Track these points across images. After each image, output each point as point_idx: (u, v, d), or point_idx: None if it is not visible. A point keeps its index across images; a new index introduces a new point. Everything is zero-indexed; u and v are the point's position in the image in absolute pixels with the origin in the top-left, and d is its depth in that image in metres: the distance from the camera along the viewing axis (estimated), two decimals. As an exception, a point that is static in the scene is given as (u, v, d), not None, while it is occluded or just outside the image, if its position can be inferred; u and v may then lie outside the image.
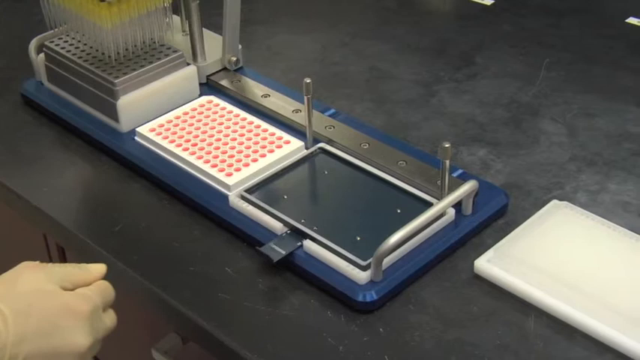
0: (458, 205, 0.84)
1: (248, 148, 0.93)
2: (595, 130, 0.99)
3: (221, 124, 0.97)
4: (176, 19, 1.10)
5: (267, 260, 0.80)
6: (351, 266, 0.78)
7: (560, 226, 0.84)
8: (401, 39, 1.19)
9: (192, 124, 0.97)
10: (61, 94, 1.05)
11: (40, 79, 1.07)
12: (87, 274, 0.74)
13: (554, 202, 0.87)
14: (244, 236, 0.85)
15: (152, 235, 0.87)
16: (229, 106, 1.00)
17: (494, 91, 1.07)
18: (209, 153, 0.93)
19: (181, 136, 0.95)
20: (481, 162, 0.95)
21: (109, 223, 0.89)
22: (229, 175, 0.89)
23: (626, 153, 0.96)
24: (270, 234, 0.83)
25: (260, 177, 0.89)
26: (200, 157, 0.92)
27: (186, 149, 0.93)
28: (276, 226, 0.83)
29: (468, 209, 0.85)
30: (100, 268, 0.75)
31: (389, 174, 0.89)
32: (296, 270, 0.81)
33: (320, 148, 0.93)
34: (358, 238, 0.81)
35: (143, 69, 0.99)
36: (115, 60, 0.99)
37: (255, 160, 0.91)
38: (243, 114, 0.98)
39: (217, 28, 1.08)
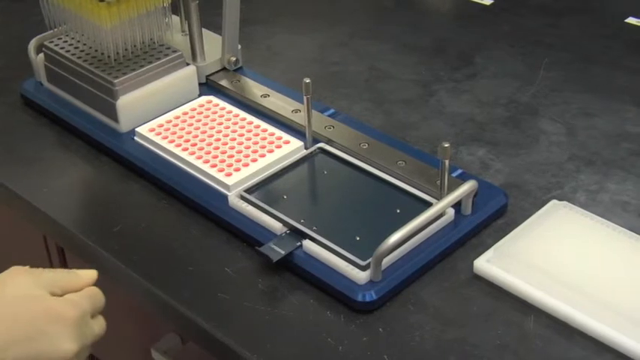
0: (457, 205, 0.84)
1: (247, 148, 0.93)
2: (594, 130, 0.99)
3: (220, 124, 0.97)
4: (175, 19, 1.10)
5: (267, 260, 0.80)
6: (351, 266, 0.78)
7: (560, 225, 0.84)
8: (400, 39, 1.19)
9: (191, 124, 0.97)
10: (60, 95, 1.05)
11: (40, 80, 1.07)
12: (77, 279, 0.74)
13: (554, 201, 0.87)
14: (244, 236, 0.85)
15: (152, 235, 0.87)
16: (229, 106, 1.00)
17: (494, 90, 1.07)
18: (208, 153, 0.93)
19: (181, 136, 0.95)
20: (480, 162, 0.95)
21: (109, 223, 0.89)
22: (229, 175, 0.89)
23: (625, 152, 0.96)
24: (270, 234, 0.83)
25: (259, 177, 0.89)
26: (199, 157, 0.92)
27: (185, 149, 0.93)
28: (276, 226, 0.83)
29: (467, 209, 0.85)
30: (90, 274, 0.75)
31: (388, 174, 0.89)
32: (295, 270, 0.81)
33: (319, 148, 0.93)
34: (358, 238, 0.81)
35: (142, 69, 0.99)
36: (115, 60, 0.99)
37: (254, 160, 0.91)
38: (242, 114, 0.99)
39: (217, 28, 1.08)
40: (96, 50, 1.01)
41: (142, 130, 0.97)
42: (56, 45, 1.03)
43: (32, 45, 1.06)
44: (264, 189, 0.88)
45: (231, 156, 0.92)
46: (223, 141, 0.94)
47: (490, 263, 0.80)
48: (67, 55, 1.02)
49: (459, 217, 0.85)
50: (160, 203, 0.91)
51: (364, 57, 1.15)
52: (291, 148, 0.93)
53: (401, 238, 0.78)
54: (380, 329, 0.76)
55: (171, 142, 0.95)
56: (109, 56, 0.99)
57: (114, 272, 0.85)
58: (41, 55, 1.05)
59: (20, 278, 0.71)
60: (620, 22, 1.20)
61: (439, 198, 0.84)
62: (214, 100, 1.01)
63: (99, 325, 0.74)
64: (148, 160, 0.94)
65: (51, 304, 0.70)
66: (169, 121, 0.98)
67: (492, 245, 0.82)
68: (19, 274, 0.71)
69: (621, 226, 0.83)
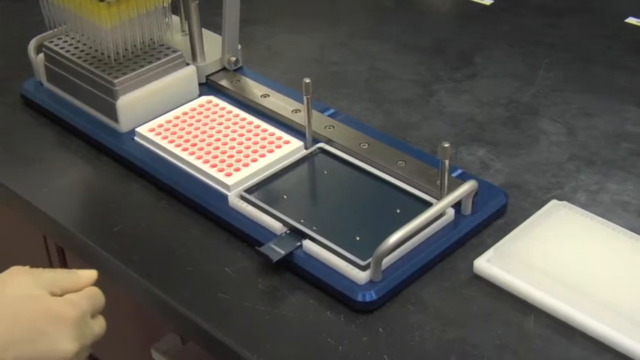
0: (457, 205, 0.84)
1: (247, 148, 0.93)
2: (594, 130, 0.99)
3: (220, 124, 0.97)
4: (175, 19, 1.10)
5: (267, 260, 0.80)
6: (351, 266, 0.78)
7: (560, 225, 0.84)
8: (400, 39, 1.19)
9: (191, 124, 0.97)
10: (60, 95, 1.05)
11: (40, 80, 1.07)
12: (77, 279, 0.74)
13: (554, 201, 0.87)
14: (244, 236, 0.85)
15: (151, 235, 0.87)
16: (229, 106, 1.00)
17: (494, 90, 1.07)
18: (208, 153, 0.93)
19: (181, 136, 0.95)
20: (480, 162, 0.95)
21: (109, 223, 0.89)
22: (229, 175, 0.89)
23: (625, 152, 0.96)
24: (270, 234, 0.83)
25: (259, 177, 0.89)
26: (199, 157, 0.92)
27: (185, 149, 0.93)
28: (276, 226, 0.83)
29: (467, 209, 0.85)
30: (90, 274, 0.75)
31: (388, 174, 0.89)
32: (295, 270, 0.81)
33: (319, 148, 0.93)
34: (358, 238, 0.81)
35: (142, 69, 0.99)
36: (115, 60, 0.99)
37: (254, 160, 0.91)
38: (242, 114, 0.99)
39: (217, 28, 1.08)
40: (96, 50, 1.01)
41: (141, 130, 0.97)
42: (56, 45, 1.03)
43: (32, 45, 1.06)
44: (264, 189, 0.88)
45: (231, 156, 0.92)
46: (223, 141, 0.94)
47: (490, 263, 0.80)
48: (67, 55, 1.02)
49: (459, 217, 0.84)
50: (160, 203, 0.91)
51: (364, 57, 1.15)
52: (291, 148, 0.93)
53: (401, 238, 0.78)
54: (380, 329, 0.76)
55: (171, 142, 0.95)
56: (109, 56, 0.99)
57: (114, 272, 0.85)
58: (41, 55, 1.05)
59: (20, 278, 0.71)
60: (620, 22, 1.20)
61: (439, 198, 0.84)
62: (214, 100, 1.01)
63: (99, 325, 0.74)
64: (147, 160, 0.94)
65: (51, 304, 0.70)
66: (169, 121, 0.98)
67: (492, 245, 0.82)
68: (19, 274, 0.71)
69: (621, 226, 0.83)
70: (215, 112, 0.99)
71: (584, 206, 0.87)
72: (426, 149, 0.96)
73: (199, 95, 1.03)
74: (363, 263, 0.78)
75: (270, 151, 0.92)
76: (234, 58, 1.06)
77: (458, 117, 1.03)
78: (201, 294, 0.80)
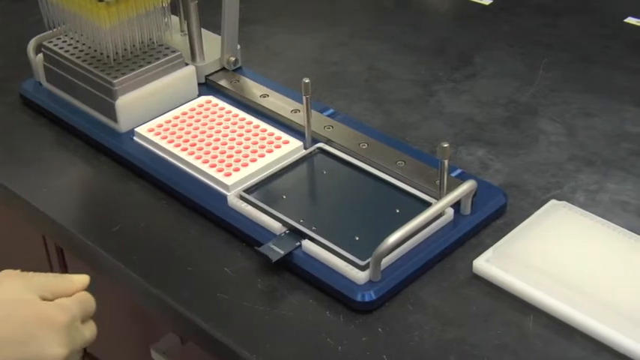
0: (457, 205, 0.84)
1: (247, 148, 0.93)
2: (593, 130, 0.99)
3: (220, 124, 0.97)
4: (175, 19, 1.10)
5: (266, 260, 0.80)
6: (350, 266, 0.78)
7: (559, 225, 0.84)
8: (399, 39, 1.19)
9: (190, 125, 0.97)
10: (59, 95, 1.05)
11: (39, 80, 1.07)
12: (68, 284, 0.73)
13: (553, 201, 0.87)
14: (243, 236, 0.85)
15: (151, 236, 0.87)
16: (228, 106, 1.00)
17: (493, 90, 1.07)
18: (208, 153, 0.93)
19: (180, 137, 0.95)
20: (480, 162, 0.95)
21: (108, 223, 0.89)
22: (228, 175, 0.89)
23: (625, 152, 0.96)
24: (269, 234, 0.83)
25: (259, 177, 0.89)
26: (199, 158, 0.92)
27: (184, 149, 0.93)
28: (275, 226, 0.83)
29: (466, 209, 0.85)
30: (82, 279, 0.75)
31: (388, 174, 0.89)
32: (295, 270, 0.81)
33: (319, 148, 0.93)
34: (357, 238, 0.81)
35: (142, 69, 0.99)
36: (114, 60, 0.99)
37: (253, 160, 0.91)
38: (241, 114, 0.98)
39: (216, 28, 1.08)
40: (95, 50, 1.01)
41: (141, 130, 0.97)
42: (55, 45, 1.03)
43: (31, 45, 1.05)
44: (263, 189, 0.88)
45: (231, 156, 0.92)
46: (222, 141, 0.94)
47: (489, 263, 0.80)
48: (67, 55, 1.02)
49: (458, 216, 0.84)
50: (159, 203, 0.91)
51: (364, 57, 1.15)
52: (290, 148, 0.93)
53: (400, 238, 0.78)
54: (379, 329, 0.76)
55: (171, 142, 0.95)
56: (108, 56, 0.99)
57: (113, 272, 0.85)
58: (40, 55, 1.05)
59: (11, 282, 0.71)
60: (619, 22, 1.20)
61: (438, 198, 0.84)
62: (213, 100, 1.01)
63: (89, 330, 0.73)
64: (147, 160, 0.94)
65: (41, 308, 0.69)
66: (168, 121, 0.98)
67: (492, 245, 0.82)
68: (10, 278, 0.71)
69: (621, 226, 0.83)
70: (214, 112, 0.99)
71: (583, 206, 0.87)
72: (425, 149, 0.96)
73: (198, 95, 1.03)
74: (362, 263, 0.78)
75: (270, 151, 0.92)
76: (233, 58, 1.06)
77: (457, 117, 1.02)
78: (200, 294, 0.80)
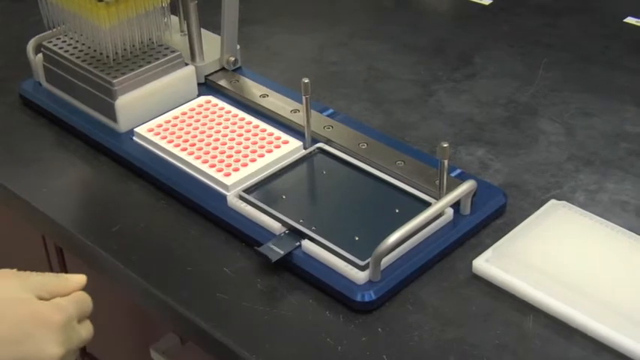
0: (456, 205, 0.84)
1: (246, 148, 0.93)
2: (593, 130, 0.99)
3: (219, 124, 0.97)
4: (174, 19, 1.10)
5: (266, 260, 0.80)
6: (350, 266, 0.78)
7: (559, 225, 0.84)
8: (399, 39, 1.19)
9: (190, 125, 0.97)
10: (59, 95, 1.05)
11: (39, 80, 1.07)
12: (65, 284, 0.73)
13: (553, 201, 0.87)
14: (242, 236, 0.85)
15: (150, 235, 0.87)
16: (228, 106, 1.00)
17: (493, 90, 1.07)
18: (207, 153, 0.93)
19: (180, 137, 0.95)
20: (479, 162, 0.95)
21: (108, 223, 0.89)
22: (227, 175, 0.89)
23: (624, 152, 0.96)
24: (269, 234, 0.83)
25: (258, 177, 0.89)
26: (198, 158, 0.92)
27: (184, 149, 0.93)
28: (275, 226, 0.83)
29: (466, 209, 0.85)
30: (79, 279, 0.75)
31: (387, 174, 0.89)
32: (294, 270, 0.81)
33: (318, 148, 0.93)
34: (357, 238, 0.81)
35: (141, 69, 0.99)
36: (114, 60, 0.99)
37: (253, 160, 0.91)
38: (241, 114, 0.98)
39: (215, 28, 1.08)
40: (95, 50, 1.01)
41: (140, 130, 0.97)
42: (55, 45, 1.03)
43: (31, 45, 1.05)
44: (263, 189, 0.88)
45: (230, 156, 0.92)
46: (222, 141, 0.94)
47: (489, 263, 0.80)
48: (66, 55, 1.02)
49: (457, 216, 0.84)
50: (159, 203, 0.91)
51: (363, 57, 1.15)
52: (290, 148, 0.93)
53: (400, 238, 0.78)
54: (379, 329, 0.76)
55: (170, 142, 0.95)
56: (107, 56, 0.99)
57: (112, 272, 0.85)
58: (40, 55, 1.05)
59: (7, 281, 0.71)
60: (619, 22, 1.20)
61: (438, 198, 0.84)
62: (213, 100, 1.01)
63: (86, 329, 0.73)
64: (146, 160, 0.94)
65: (37, 307, 0.69)
66: (168, 121, 0.98)
67: (491, 245, 0.82)
68: (6, 277, 0.71)
69: (620, 225, 0.83)
70: (214, 112, 0.99)
71: (583, 206, 0.87)
72: (425, 149, 0.96)
73: (198, 95, 1.03)
74: (362, 263, 0.78)
75: (269, 151, 0.92)
76: (233, 58, 1.06)
77: (457, 117, 1.03)
78: (200, 294, 0.80)
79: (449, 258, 0.83)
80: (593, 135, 0.99)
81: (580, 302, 0.75)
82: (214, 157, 0.92)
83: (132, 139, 0.97)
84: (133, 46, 1.00)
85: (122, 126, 0.98)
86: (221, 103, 1.01)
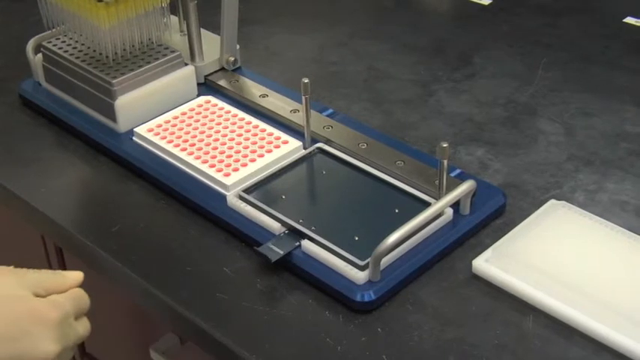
0: (456, 205, 0.84)
1: (246, 148, 0.93)
2: (593, 130, 0.99)
3: (219, 124, 0.97)
4: (174, 19, 1.10)
5: (265, 260, 0.80)
6: (350, 266, 0.78)
7: (558, 225, 0.84)
8: (399, 39, 1.19)
9: (190, 125, 0.97)
10: (58, 95, 1.05)
11: (38, 80, 1.07)
12: (62, 280, 0.73)
13: (552, 201, 0.87)
14: (242, 236, 0.85)
15: (150, 236, 0.87)
16: (227, 106, 1.00)
17: (492, 90, 1.07)
18: (207, 153, 0.93)
19: (179, 137, 0.95)
20: (479, 162, 0.95)
21: (107, 223, 0.89)
22: (227, 175, 0.89)
23: (624, 152, 0.96)
24: (268, 234, 0.83)
25: (258, 177, 0.89)
26: (198, 158, 0.92)
27: (184, 149, 0.93)
28: (274, 226, 0.83)
29: (465, 209, 0.85)
30: (76, 276, 0.75)
31: (387, 174, 0.89)
32: (294, 270, 0.81)
33: (318, 148, 0.93)
34: (356, 238, 0.81)
35: (141, 69, 0.99)
36: (113, 60, 0.99)
37: (253, 160, 0.91)
38: (241, 114, 0.98)
39: (215, 28, 1.08)
40: (94, 50, 1.01)
41: (140, 130, 0.97)
42: (54, 45, 1.03)
43: (30, 45, 1.05)
44: (262, 189, 0.88)
45: (230, 156, 0.92)
46: (222, 141, 0.94)
47: (488, 263, 0.80)
48: (66, 55, 1.02)
49: (457, 216, 0.84)
50: (159, 203, 0.91)
51: (363, 57, 1.15)
52: (289, 148, 0.93)
53: (399, 238, 0.78)
54: (379, 329, 0.76)
55: (170, 142, 0.95)
56: (107, 56, 0.99)
57: (112, 272, 0.85)
58: (39, 55, 1.05)
59: (4, 278, 0.70)
60: (619, 22, 1.20)
61: (438, 198, 0.84)
62: (213, 100, 1.01)
63: (83, 326, 0.73)
64: (146, 160, 0.94)
65: (34, 304, 0.69)
66: (168, 122, 0.98)
67: (491, 245, 0.82)
68: (3, 274, 0.71)
69: (620, 225, 0.83)
70: (214, 112, 0.99)
71: (582, 206, 0.87)
72: (424, 149, 0.96)
73: (198, 95, 1.03)
74: (361, 263, 0.78)
75: (269, 151, 0.92)
76: (232, 58, 1.06)
77: (456, 117, 1.02)
78: (199, 294, 0.80)
79: (448, 258, 0.83)
80: (593, 135, 0.99)
81: (580, 302, 0.75)
82: (214, 157, 0.92)
83: (131, 139, 0.97)
84: (133, 46, 1.00)
85: (122, 126, 0.98)
86: (221, 103, 1.01)
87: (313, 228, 0.82)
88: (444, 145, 0.81)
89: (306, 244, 0.81)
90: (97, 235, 0.87)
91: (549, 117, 1.02)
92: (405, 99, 1.06)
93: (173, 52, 1.01)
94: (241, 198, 0.87)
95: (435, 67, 1.12)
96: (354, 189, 0.89)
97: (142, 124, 0.98)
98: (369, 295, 0.77)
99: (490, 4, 1.27)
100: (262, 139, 0.94)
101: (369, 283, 0.78)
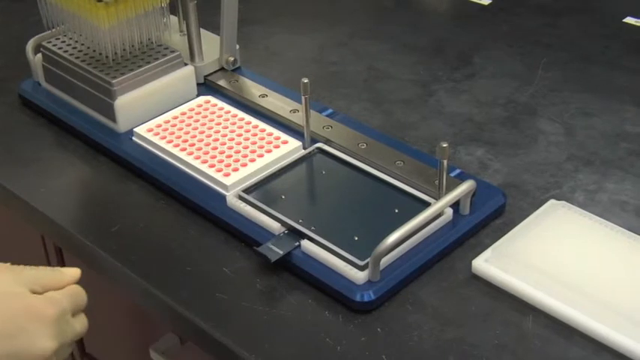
0: (455, 205, 0.84)
1: (246, 148, 0.93)
2: (592, 130, 0.99)
3: (219, 124, 0.97)
4: (173, 19, 1.10)
5: (265, 260, 0.80)
6: (349, 266, 0.78)
7: (558, 225, 0.84)
8: (399, 39, 1.19)
9: (189, 125, 0.97)
10: (58, 95, 1.05)
11: (38, 80, 1.07)
12: (59, 277, 0.73)
13: (552, 201, 0.87)
14: (242, 236, 0.85)
15: (150, 236, 0.87)
16: (227, 106, 1.00)
17: (492, 90, 1.07)
18: (207, 153, 0.93)
19: (179, 137, 0.95)
20: (479, 162, 0.95)
21: (107, 223, 0.89)
22: (227, 175, 0.89)
23: (624, 152, 0.96)
24: (268, 234, 0.83)
25: (258, 177, 0.89)
26: (198, 158, 0.92)
27: (183, 149, 0.93)
28: (274, 226, 0.83)
29: (465, 209, 0.85)
30: (73, 272, 0.74)
31: (387, 174, 0.89)
32: (294, 270, 0.81)
33: (318, 148, 0.93)
34: (356, 238, 0.81)
35: (140, 69, 0.99)
36: (113, 60, 0.99)
37: (252, 160, 0.91)
38: (240, 114, 0.98)
39: (215, 28, 1.08)
40: (94, 50, 1.01)
41: (140, 130, 0.97)
42: (54, 45, 1.03)
43: (30, 45, 1.05)
44: (262, 189, 0.88)
45: (230, 156, 0.92)
46: (221, 141, 0.94)
47: (488, 263, 0.80)
48: (65, 55, 1.02)
49: (457, 216, 0.84)
50: (158, 203, 0.91)
51: (363, 57, 1.15)
52: (289, 148, 0.93)
53: (399, 238, 0.78)
54: (378, 329, 0.76)
55: (170, 142, 0.95)
56: (107, 56, 0.99)
57: (112, 272, 0.85)
58: (39, 55, 1.05)
59: (0, 275, 0.70)
60: (618, 22, 1.20)
61: (437, 198, 0.84)
62: (212, 100, 1.01)
63: (80, 323, 0.73)
64: (146, 160, 0.94)
65: (31, 301, 0.69)
66: (167, 122, 0.98)
67: (490, 245, 0.82)
68: (0, 271, 0.71)
69: (620, 225, 0.83)
70: (213, 113, 0.99)
71: (582, 206, 0.87)
72: (424, 149, 0.96)
73: (197, 95, 1.03)
74: (361, 263, 0.78)
75: (269, 151, 0.92)
76: (232, 58, 1.06)
77: (456, 117, 1.02)
78: (199, 294, 0.80)
79: (448, 258, 0.82)
80: (593, 135, 0.99)
81: (580, 302, 0.75)
82: (214, 157, 0.92)
83: (131, 139, 0.97)
84: (133, 46, 1.00)
85: (121, 126, 0.98)
86: (220, 103, 1.01)
87: (313, 228, 0.82)
88: (444, 145, 0.81)
89: (305, 244, 0.81)
90: (96, 235, 0.87)
91: (549, 117, 1.02)
92: (404, 99, 1.06)
93: (173, 52, 1.01)
94: (241, 198, 0.87)
95: (435, 67, 1.12)
96: (353, 189, 0.89)
97: (142, 124, 0.98)
98: (369, 295, 0.77)
99: (490, 4, 1.27)
100: (262, 139, 0.94)
101: (369, 283, 0.78)
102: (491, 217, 0.86)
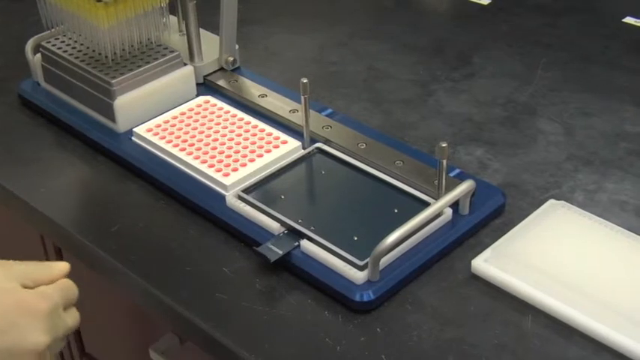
0: (455, 205, 0.84)
1: (245, 148, 0.93)
2: (592, 130, 0.99)
3: (218, 124, 0.97)
4: (173, 19, 1.10)
5: (265, 260, 0.80)
6: (349, 266, 0.78)
7: (558, 225, 0.84)
8: (398, 39, 1.19)
9: (189, 125, 0.97)
10: (57, 95, 1.05)
11: (37, 80, 1.07)
12: (49, 271, 0.73)
13: (552, 201, 0.87)
14: (241, 236, 0.85)
15: (149, 236, 0.87)
16: (226, 106, 1.00)
17: (492, 90, 1.07)
18: (206, 153, 0.93)
19: (178, 137, 0.95)
20: (478, 161, 0.95)
21: (107, 223, 0.89)
22: (226, 175, 0.89)
23: (623, 152, 0.96)
24: (268, 234, 0.83)
25: (257, 177, 0.89)
26: (197, 158, 0.92)
27: (183, 149, 0.93)
28: (274, 226, 0.83)
29: (465, 209, 0.85)
30: (62, 267, 0.74)
31: (386, 174, 0.89)
32: (293, 270, 0.81)
33: (317, 148, 0.93)
34: (355, 238, 0.81)
35: (140, 69, 0.99)
36: (112, 60, 0.99)
37: (252, 160, 0.91)
38: (240, 114, 0.98)
39: (214, 28, 1.07)
40: (93, 50, 1.01)
41: (139, 130, 0.97)
42: (53, 45, 1.03)
43: (29, 45, 1.05)
44: (261, 189, 0.88)
45: (229, 156, 0.92)
46: (221, 141, 0.94)
47: (488, 263, 0.80)
48: (65, 55, 1.02)
49: (456, 216, 0.84)
50: (158, 203, 0.91)
51: (363, 57, 1.15)
52: (288, 148, 0.93)
53: (399, 238, 0.78)
54: (378, 329, 0.76)
55: (169, 142, 0.95)
56: (106, 56, 0.99)
57: (112, 272, 0.85)
58: (38, 55, 1.05)
59: None
60: (618, 22, 1.20)
61: (437, 198, 0.84)
62: (212, 100, 1.01)
63: (72, 317, 0.73)
64: (145, 160, 0.94)
65: (22, 296, 0.69)
66: (167, 122, 0.98)
67: (490, 245, 0.82)
68: None
69: (619, 225, 0.83)
70: (213, 112, 0.99)
71: (582, 206, 0.87)
72: (424, 149, 0.96)
73: (197, 95, 1.03)
74: (360, 263, 0.78)
75: (268, 151, 0.92)
76: (231, 58, 1.06)
77: (456, 117, 1.02)
78: (199, 294, 0.80)
79: (448, 258, 0.82)
80: (593, 135, 0.99)
81: (580, 302, 0.75)
82: (213, 157, 0.92)
83: (130, 139, 0.97)
84: (132, 46, 1.00)
85: (121, 126, 0.98)
86: (220, 103, 1.01)
87: (312, 228, 0.82)
88: (443, 145, 0.81)
89: (305, 244, 0.81)
90: (96, 235, 0.87)
91: (549, 117, 1.02)
92: (404, 99, 1.06)
93: (172, 52, 1.01)
94: (240, 198, 0.87)
95: (435, 67, 1.12)
96: (353, 189, 0.89)
97: (141, 124, 0.98)
98: (368, 295, 0.77)
99: (489, 3, 1.27)
100: (261, 139, 0.94)
101: (368, 283, 0.78)
102: (490, 217, 0.86)
